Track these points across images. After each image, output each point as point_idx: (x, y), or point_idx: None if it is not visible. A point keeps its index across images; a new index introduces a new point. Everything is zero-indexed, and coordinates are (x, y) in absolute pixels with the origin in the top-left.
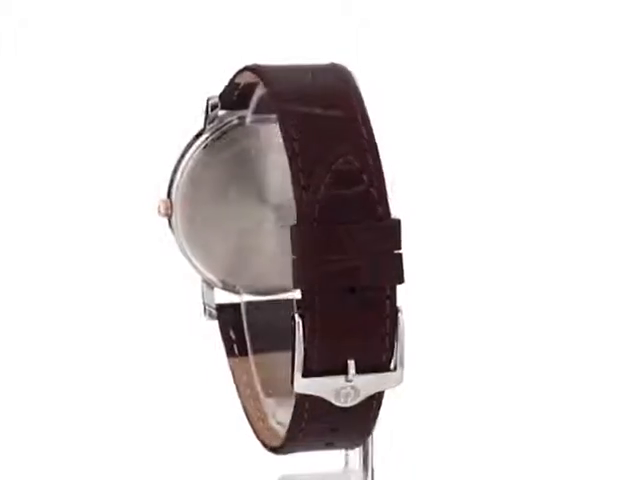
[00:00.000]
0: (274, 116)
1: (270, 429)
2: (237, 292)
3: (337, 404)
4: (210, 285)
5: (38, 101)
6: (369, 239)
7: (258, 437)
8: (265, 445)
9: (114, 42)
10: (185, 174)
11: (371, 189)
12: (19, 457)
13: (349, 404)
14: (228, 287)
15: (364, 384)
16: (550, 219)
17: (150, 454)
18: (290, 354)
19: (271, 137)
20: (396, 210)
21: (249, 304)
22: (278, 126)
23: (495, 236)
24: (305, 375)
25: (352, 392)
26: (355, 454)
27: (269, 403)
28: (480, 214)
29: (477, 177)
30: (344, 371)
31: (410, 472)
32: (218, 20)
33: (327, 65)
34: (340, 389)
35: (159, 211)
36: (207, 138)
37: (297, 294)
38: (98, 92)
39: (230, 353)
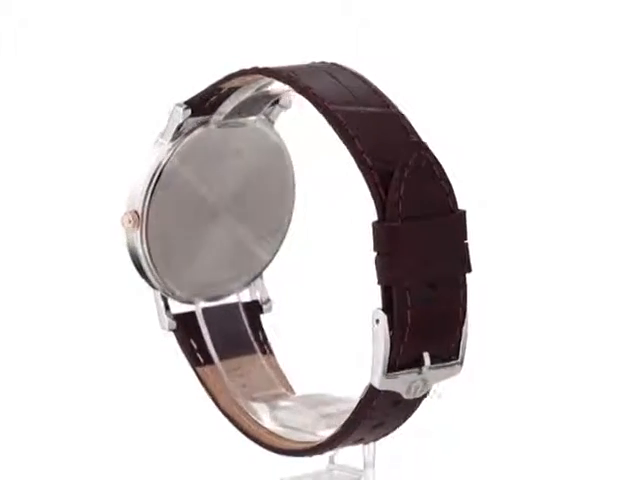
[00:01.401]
0: (240, 120)
1: (272, 433)
2: (191, 301)
3: (406, 397)
4: (165, 297)
5: (33, 101)
6: (446, 232)
7: (258, 441)
8: (274, 449)
9: (111, 42)
10: (153, 185)
11: (441, 182)
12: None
13: (416, 397)
14: (183, 298)
15: (433, 376)
16: (554, 210)
17: (137, 466)
18: (248, 355)
19: (238, 142)
20: None
21: (204, 311)
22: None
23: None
24: (387, 371)
25: (421, 385)
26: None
27: (259, 407)
28: (483, 210)
29: (478, 176)
30: (419, 364)
31: (405, 468)
32: (217, 20)
33: (330, 64)
34: (412, 382)
35: (124, 223)
36: (174, 146)
37: (243, 297)
38: (91, 92)
39: (195, 363)
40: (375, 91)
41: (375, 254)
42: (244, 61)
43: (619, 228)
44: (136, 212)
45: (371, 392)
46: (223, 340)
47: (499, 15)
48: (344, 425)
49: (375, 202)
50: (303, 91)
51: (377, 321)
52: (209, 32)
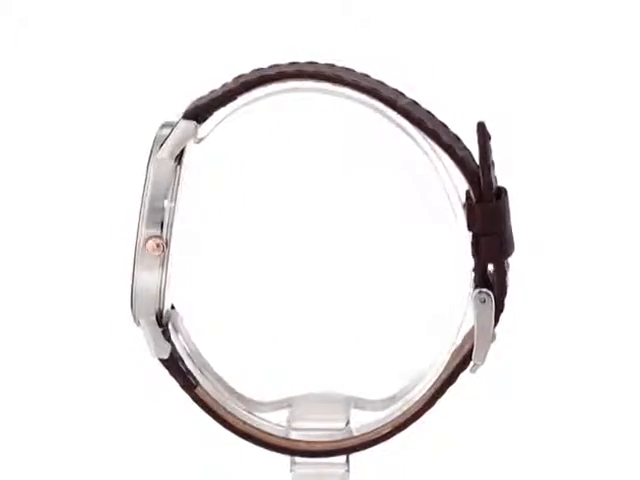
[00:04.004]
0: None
1: (289, 440)
2: (166, 323)
3: (469, 370)
4: (158, 324)
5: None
6: (508, 209)
7: (280, 449)
8: (298, 452)
9: (109, 44)
10: (173, 210)
11: (494, 161)
12: None
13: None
14: (164, 320)
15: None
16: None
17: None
18: (209, 369)
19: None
20: None
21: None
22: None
23: None
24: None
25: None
26: None
27: (261, 417)
28: None
29: None
30: (495, 336)
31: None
32: (217, 20)
33: (337, 65)
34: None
35: (151, 249)
36: (178, 165)
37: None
38: (89, 93)
39: (190, 385)
40: (386, 84)
41: (470, 235)
42: (241, 63)
43: (621, 225)
44: (160, 237)
45: (463, 365)
46: (197, 358)
47: (499, 15)
48: (427, 401)
49: (471, 186)
50: (367, 91)
51: (483, 301)
52: (206, 33)
